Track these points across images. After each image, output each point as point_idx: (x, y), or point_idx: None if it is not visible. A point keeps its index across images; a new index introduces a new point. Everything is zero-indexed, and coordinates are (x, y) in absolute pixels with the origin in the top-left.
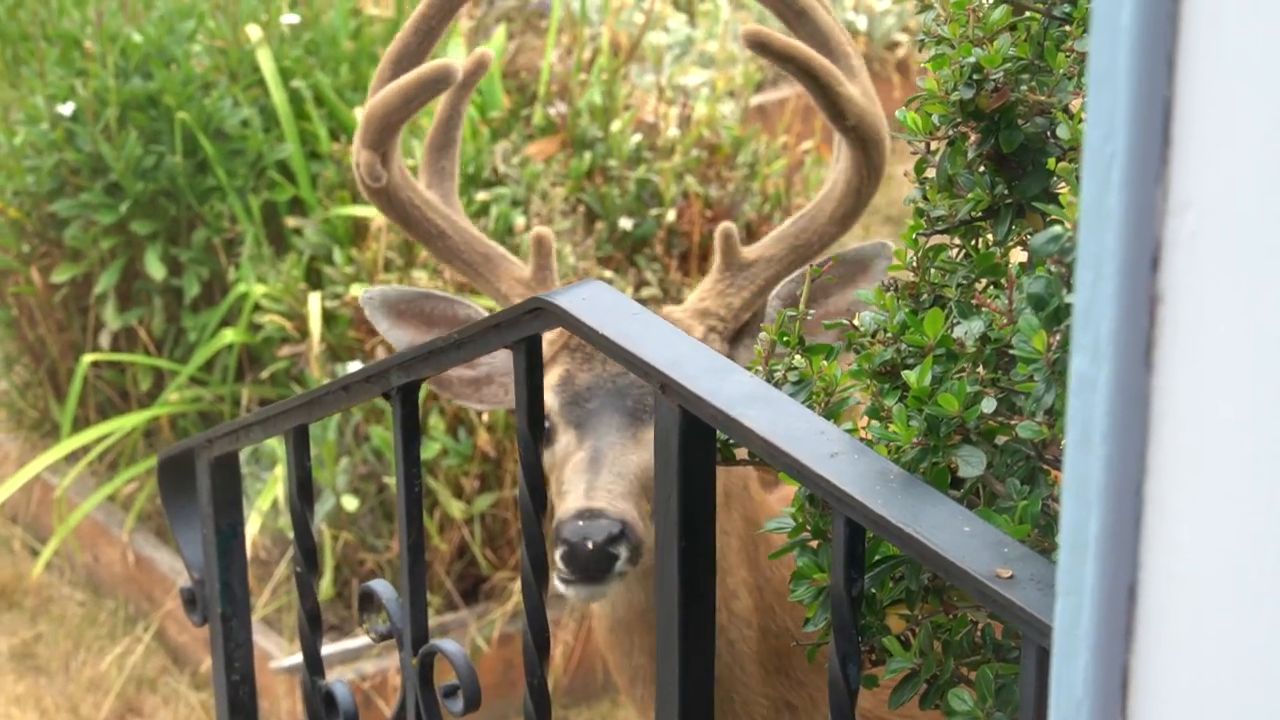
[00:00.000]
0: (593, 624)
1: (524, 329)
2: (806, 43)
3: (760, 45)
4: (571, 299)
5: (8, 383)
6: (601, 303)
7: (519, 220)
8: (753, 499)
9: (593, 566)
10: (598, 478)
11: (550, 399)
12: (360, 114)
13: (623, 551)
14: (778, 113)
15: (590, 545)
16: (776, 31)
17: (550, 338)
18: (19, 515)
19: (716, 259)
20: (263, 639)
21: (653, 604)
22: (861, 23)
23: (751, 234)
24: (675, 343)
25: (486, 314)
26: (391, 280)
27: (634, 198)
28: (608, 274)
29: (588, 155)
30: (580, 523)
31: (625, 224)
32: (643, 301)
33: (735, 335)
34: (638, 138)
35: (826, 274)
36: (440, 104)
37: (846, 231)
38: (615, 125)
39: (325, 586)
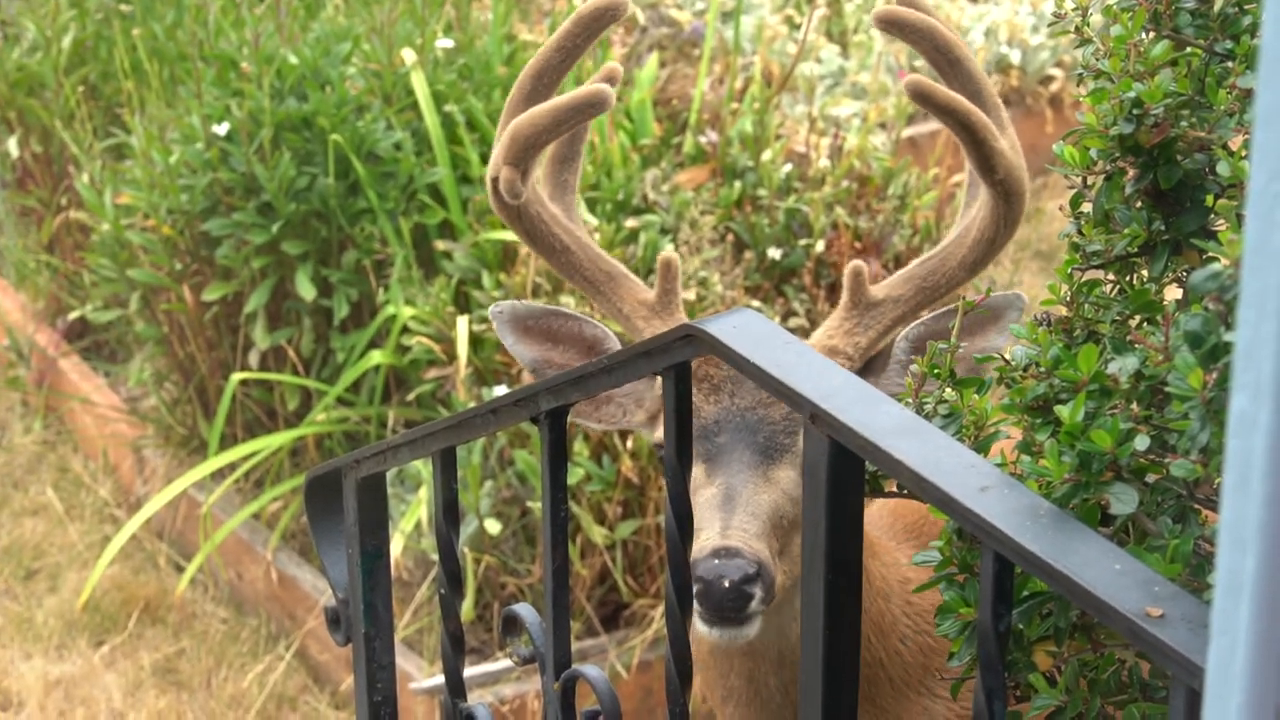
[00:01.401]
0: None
1: (674, 356)
2: (958, 91)
3: (922, 97)
4: (723, 327)
5: (157, 399)
6: (753, 331)
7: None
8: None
9: (728, 605)
10: (732, 516)
11: None
12: (501, 130)
13: (758, 591)
14: (929, 145)
15: (727, 584)
16: (927, 76)
17: None
18: (165, 531)
19: (844, 296)
20: (403, 660)
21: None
22: (1015, 56)
23: (900, 266)
24: (827, 373)
25: (614, 335)
26: None
27: (783, 227)
28: (755, 303)
29: (738, 184)
30: (716, 561)
31: (774, 254)
32: (789, 331)
33: (860, 373)
34: (788, 168)
35: (980, 306)
36: None
37: (975, 277)
38: (766, 155)
39: (466, 609)
